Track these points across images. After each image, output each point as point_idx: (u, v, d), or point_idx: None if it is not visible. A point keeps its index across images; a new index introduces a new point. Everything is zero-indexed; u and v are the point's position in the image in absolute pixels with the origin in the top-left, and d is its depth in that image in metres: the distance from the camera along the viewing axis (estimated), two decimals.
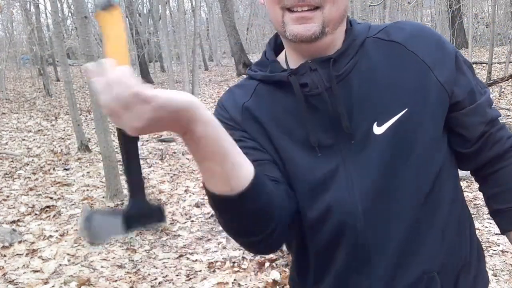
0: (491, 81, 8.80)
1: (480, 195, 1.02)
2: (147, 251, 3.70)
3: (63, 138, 8.72)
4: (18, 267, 3.41)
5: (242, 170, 0.72)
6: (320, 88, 0.84)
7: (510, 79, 9.46)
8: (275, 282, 3.03)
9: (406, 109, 0.83)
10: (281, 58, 0.92)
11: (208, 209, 4.39)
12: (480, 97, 0.90)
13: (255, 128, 0.89)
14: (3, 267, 3.40)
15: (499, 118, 0.94)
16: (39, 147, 8.03)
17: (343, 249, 0.87)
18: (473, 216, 1.24)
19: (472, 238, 0.96)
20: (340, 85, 0.84)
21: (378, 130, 0.83)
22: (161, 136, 8.49)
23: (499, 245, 3.19)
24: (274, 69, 0.90)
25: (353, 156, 0.84)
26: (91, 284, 3.16)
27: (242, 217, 0.77)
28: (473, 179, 1.03)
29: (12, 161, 6.96)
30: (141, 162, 0.74)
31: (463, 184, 3.76)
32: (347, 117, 0.83)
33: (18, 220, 4.41)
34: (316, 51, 0.85)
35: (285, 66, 0.90)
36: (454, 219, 0.90)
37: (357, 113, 0.84)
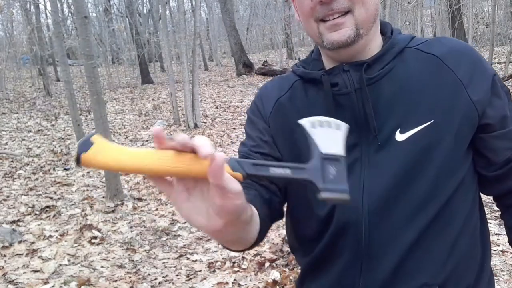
0: None
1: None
2: (147, 251, 3.70)
3: (63, 138, 8.72)
4: (18, 267, 3.41)
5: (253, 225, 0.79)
6: (349, 88, 0.87)
7: (510, 79, 9.46)
8: (275, 282, 3.03)
9: (432, 121, 0.83)
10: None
11: None
12: None
13: (281, 125, 0.95)
14: (3, 267, 3.40)
15: None
16: (39, 147, 8.03)
17: (346, 247, 0.88)
18: None
19: (483, 266, 0.93)
20: (370, 88, 0.86)
21: (400, 136, 0.84)
22: None
23: (499, 245, 3.18)
24: (314, 67, 0.95)
25: (372, 158, 0.86)
26: (91, 284, 3.15)
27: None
28: None
29: (12, 161, 6.96)
30: None
31: None
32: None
33: (18, 220, 4.40)
34: (352, 56, 0.87)
35: (324, 64, 0.95)
36: (464, 240, 0.88)
37: (382, 117, 0.85)
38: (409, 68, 0.87)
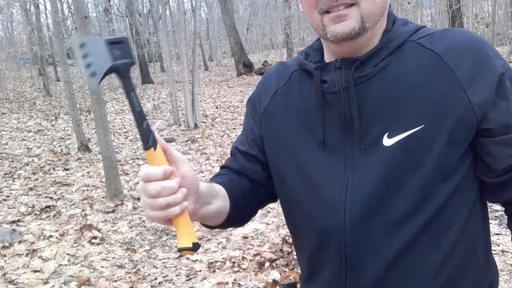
0: None
1: None
2: (147, 251, 3.70)
3: (63, 138, 8.72)
4: (18, 267, 3.41)
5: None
6: (337, 87, 0.84)
7: None
8: (275, 282, 3.03)
9: (422, 125, 0.79)
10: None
11: None
12: None
13: (273, 125, 0.95)
14: (3, 267, 3.40)
15: None
16: (39, 147, 8.03)
17: (331, 255, 0.86)
18: None
19: (484, 273, 0.90)
20: (359, 87, 0.82)
21: (387, 141, 0.80)
22: (161, 136, 8.49)
23: (499, 245, 3.18)
24: (313, 57, 0.93)
25: (357, 161, 0.83)
26: (91, 284, 3.16)
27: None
28: None
29: (12, 161, 6.96)
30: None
31: None
32: (359, 121, 0.82)
33: (18, 220, 4.41)
34: (354, 50, 0.84)
35: (325, 56, 0.92)
36: (460, 249, 0.83)
37: (370, 119, 0.82)
38: (404, 66, 0.82)
